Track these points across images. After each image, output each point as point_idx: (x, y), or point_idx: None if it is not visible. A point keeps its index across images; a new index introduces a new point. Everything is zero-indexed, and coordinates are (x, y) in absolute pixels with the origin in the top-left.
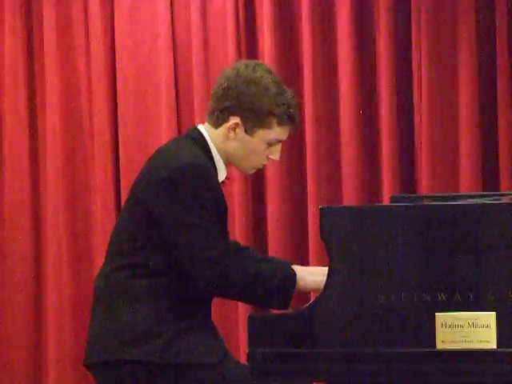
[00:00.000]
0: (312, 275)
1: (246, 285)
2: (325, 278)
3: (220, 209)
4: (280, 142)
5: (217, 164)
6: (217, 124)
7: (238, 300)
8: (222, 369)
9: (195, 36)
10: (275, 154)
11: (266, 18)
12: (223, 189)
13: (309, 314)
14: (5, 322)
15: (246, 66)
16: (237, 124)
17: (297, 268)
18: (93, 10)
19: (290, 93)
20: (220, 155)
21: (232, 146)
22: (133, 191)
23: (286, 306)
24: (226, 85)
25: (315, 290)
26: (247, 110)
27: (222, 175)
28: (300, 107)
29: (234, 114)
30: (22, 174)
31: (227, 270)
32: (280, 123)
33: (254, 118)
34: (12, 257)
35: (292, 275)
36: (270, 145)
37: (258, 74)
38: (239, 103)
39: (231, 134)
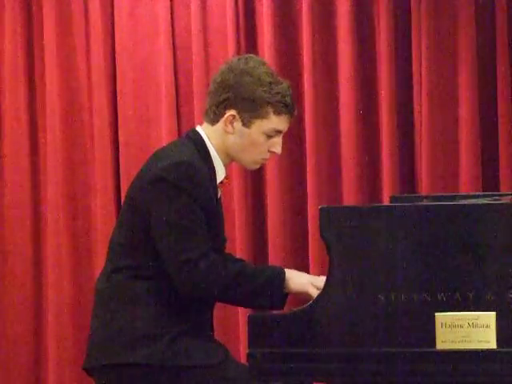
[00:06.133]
0: (299, 277)
1: (228, 285)
2: (310, 287)
3: (207, 209)
4: (280, 133)
5: (215, 163)
6: (214, 120)
7: (225, 302)
8: (222, 370)
9: (195, 36)
10: (276, 146)
11: (266, 17)
12: (222, 189)
13: (309, 314)
14: (5, 321)
15: (239, 59)
16: (233, 116)
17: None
18: (93, 10)
19: (284, 83)
20: (219, 155)
21: (231, 139)
22: (128, 193)
23: (276, 304)
24: (219, 79)
25: (301, 291)
26: (242, 101)
27: (220, 175)
28: (300, 107)
29: (229, 107)
30: (21, 173)
31: (205, 272)
32: (276, 112)
33: (250, 109)
34: (12, 257)
35: (280, 272)
36: (269, 136)
37: (251, 65)
38: (234, 95)
39: (229, 128)
